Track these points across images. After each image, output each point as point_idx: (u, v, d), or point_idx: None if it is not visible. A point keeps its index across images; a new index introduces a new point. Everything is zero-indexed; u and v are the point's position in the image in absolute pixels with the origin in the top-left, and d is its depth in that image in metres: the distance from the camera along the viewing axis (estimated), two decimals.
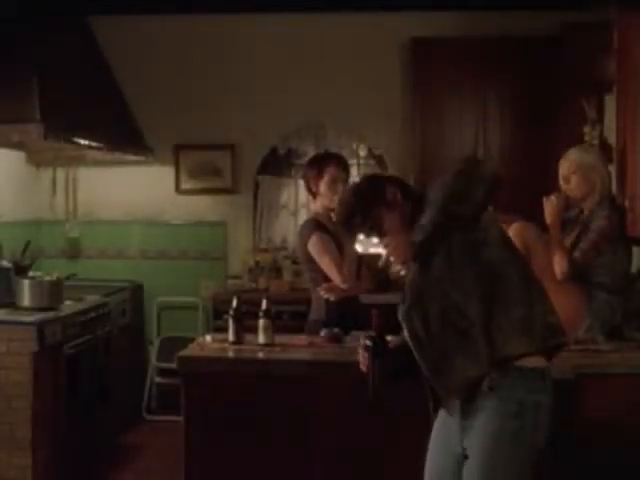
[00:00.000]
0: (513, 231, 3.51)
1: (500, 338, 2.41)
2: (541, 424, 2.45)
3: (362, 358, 2.66)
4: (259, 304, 3.44)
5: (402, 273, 2.64)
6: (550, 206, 3.62)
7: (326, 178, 3.78)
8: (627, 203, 3.61)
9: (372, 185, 2.73)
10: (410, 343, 2.54)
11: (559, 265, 3.46)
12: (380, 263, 2.62)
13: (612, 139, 4.10)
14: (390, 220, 2.64)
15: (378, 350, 2.60)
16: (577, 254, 3.50)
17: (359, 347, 2.68)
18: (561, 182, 3.71)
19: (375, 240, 2.70)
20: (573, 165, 3.65)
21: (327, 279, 3.70)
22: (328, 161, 3.87)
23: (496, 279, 2.44)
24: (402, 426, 3.05)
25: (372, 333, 2.64)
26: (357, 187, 2.78)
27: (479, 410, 2.45)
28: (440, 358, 2.47)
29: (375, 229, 2.67)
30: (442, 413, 2.60)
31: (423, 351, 2.51)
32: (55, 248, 5.99)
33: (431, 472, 2.61)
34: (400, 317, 2.58)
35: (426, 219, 2.47)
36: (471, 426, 2.47)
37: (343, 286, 3.67)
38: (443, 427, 2.60)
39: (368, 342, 2.62)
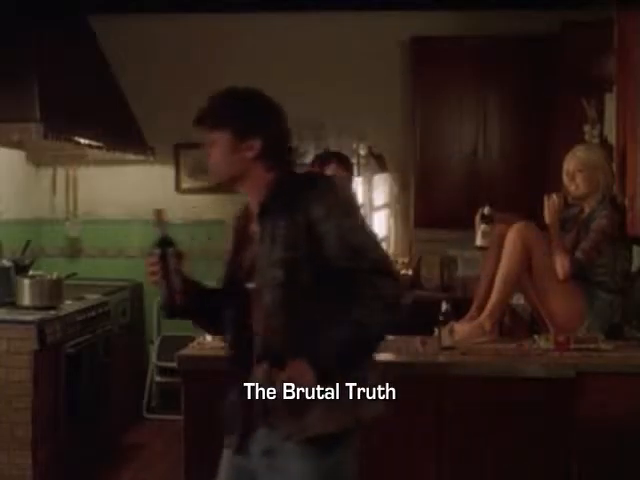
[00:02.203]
0: (514, 231, 3.51)
1: None
2: (351, 457, 2.11)
3: (151, 267, 2.18)
4: None
5: None
6: (551, 205, 3.61)
7: None
8: (627, 202, 3.60)
9: (251, 115, 2.23)
10: None
11: (561, 265, 3.44)
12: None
13: (612, 138, 4.09)
14: (225, 154, 2.25)
15: (167, 250, 2.23)
16: (579, 254, 3.49)
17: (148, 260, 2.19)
18: (565, 179, 3.69)
19: None
20: (579, 163, 3.64)
21: None
22: (331, 160, 3.88)
23: None
24: (401, 426, 3.05)
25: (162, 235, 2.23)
26: (243, 98, 2.29)
27: (277, 452, 2.08)
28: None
29: (210, 144, 2.27)
30: (227, 453, 2.25)
31: None
32: (55, 247, 5.99)
33: None
34: None
35: None
36: (273, 467, 2.10)
37: None
38: (232, 469, 2.23)
39: (156, 249, 2.20)
